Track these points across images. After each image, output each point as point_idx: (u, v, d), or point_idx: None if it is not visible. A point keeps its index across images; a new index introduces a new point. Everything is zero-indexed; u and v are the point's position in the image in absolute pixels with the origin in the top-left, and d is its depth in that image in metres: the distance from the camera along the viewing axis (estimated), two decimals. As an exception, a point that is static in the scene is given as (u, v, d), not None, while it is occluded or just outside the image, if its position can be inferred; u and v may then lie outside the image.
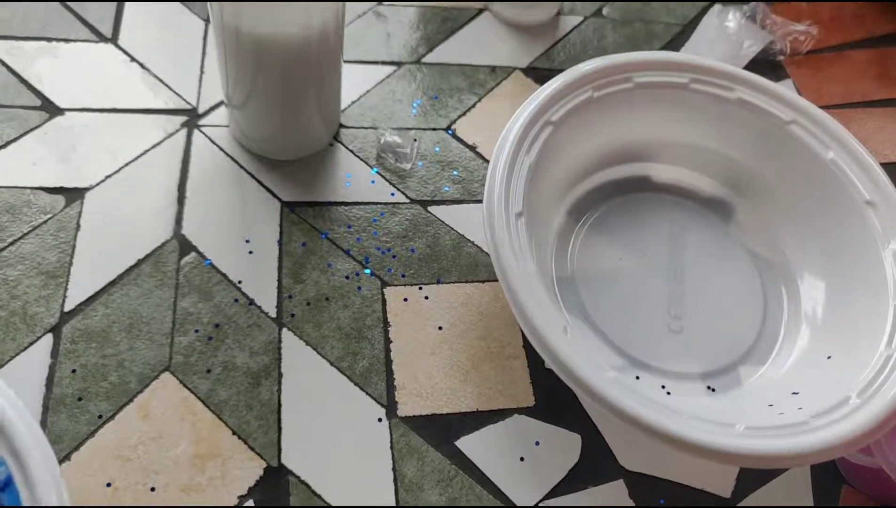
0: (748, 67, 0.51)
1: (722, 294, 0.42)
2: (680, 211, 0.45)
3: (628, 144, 0.44)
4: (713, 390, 0.39)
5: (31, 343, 0.36)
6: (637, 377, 0.38)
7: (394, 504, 0.34)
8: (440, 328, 0.39)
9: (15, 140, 0.41)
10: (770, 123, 0.42)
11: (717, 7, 0.54)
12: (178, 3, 0.48)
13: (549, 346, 0.32)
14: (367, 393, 0.37)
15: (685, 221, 0.44)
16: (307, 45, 0.36)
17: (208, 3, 0.36)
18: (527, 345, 0.39)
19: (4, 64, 0.44)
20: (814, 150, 0.40)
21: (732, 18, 0.53)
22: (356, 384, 0.37)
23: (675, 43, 0.53)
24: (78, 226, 0.39)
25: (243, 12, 0.34)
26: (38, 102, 0.43)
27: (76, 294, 0.38)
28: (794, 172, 0.42)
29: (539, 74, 0.49)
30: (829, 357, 0.37)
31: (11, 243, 0.38)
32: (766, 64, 0.52)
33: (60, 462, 0.33)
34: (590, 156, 0.43)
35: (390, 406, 0.37)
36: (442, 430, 0.36)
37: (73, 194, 0.40)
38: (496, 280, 0.41)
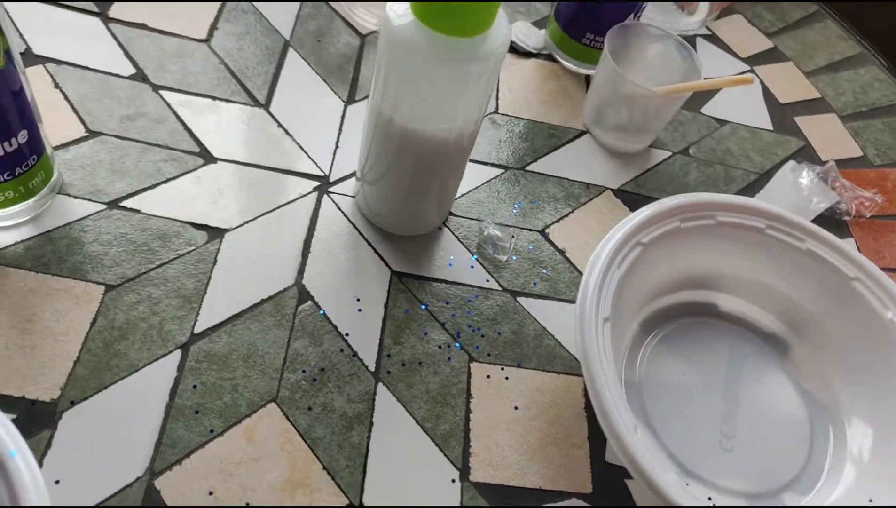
0: (814, 222, 0.56)
1: (772, 423, 0.45)
2: (740, 340, 0.49)
3: (703, 273, 0.49)
4: (755, 510, 0.42)
5: (162, 355, 0.41)
6: (687, 484, 0.42)
7: (456, 560, 0.38)
8: (516, 407, 0.43)
9: (174, 178, 0.48)
10: (835, 277, 0.46)
11: (791, 163, 0.60)
12: (324, 83, 0.55)
13: (622, 441, 0.36)
14: (444, 454, 0.41)
15: (744, 349, 0.49)
16: (445, 143, 0.42)
17: (371, 91, 0.42)
18: (591, 437, 0.43)
19: (176, 113, 0.51)
20: (874, 308, 0.45)
21: (805, 176, 0.58)
22: (436, 444, 0.41)
23: (750, 189, 0.58)
24: (215, 261, 0.45)
25: (400, 107, 0.40)
26: (197, 149, 0.49)
27: (206, 320, 0.43)
28: (852, 324, 0.46)
29: (627, 196, 0.55)
30: (870, 500, 0.40)
31: (159, 266, 0.44)
32: (831, 221, 0.57)
33: (172, 465, 0.38)
34: (668, 278, 0.48)
35: (464, 470, 0.40)
36: (507, 500, 0.40)
37: (215, 233, 0.46)
38: (570, 374, 0.45)
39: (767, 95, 0.67)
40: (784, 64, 0.70)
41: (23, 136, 0.39)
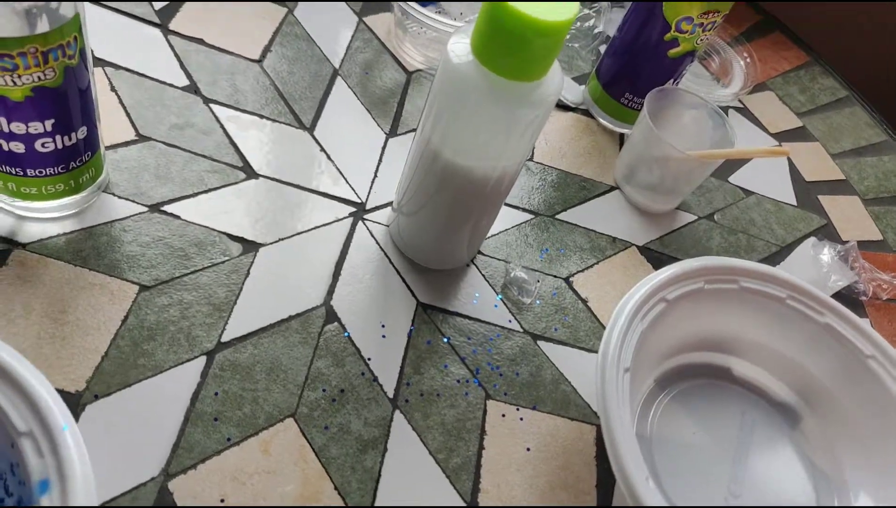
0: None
1: (778, 488, 0.46)
2: (752, 406, 0.49)
3: (721, 336, 0.50)
4: (757, 577, 0.42)
5: (188, 360, 0.42)
6: (692, 545, 0.42)
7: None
8: (528, 448, 0.44)
9: (216, 189, 0.49)
10: (851, 353, 0.47)
11: (813, 239, 0.61)
12: (368, 114, 0.57)
13: (634, 490, 0.37)
14: (454, 487, 0.41)
15: (755, 415, 0.49)
16: (486, 181, 0.43)
17: (421, 124, 0.43)
18: (599, 486, 0.43)
19: (223, 127, 0.52)
20: (887, 386, 0.45)
21: (826, 253, 0.59)
22: (447, 476, 0.41)
23: (771, 259, 0.59)
24: (248, 273, 0.46)
25: (449, 141, 0.41)
26: (240, 163, 0.51)
27: (233, 329, 0.43)
28: (865, 401, 0.46)
29: (651, 254, 0.56)
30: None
31: (193, 272, 0.45)
32: (847, 300, 0.58)
33: (186, 469, 0.38)
34: (687, 337, 0.49)
35: (472, 505, 0.41)
36: (512, 540, 0.40)
37: (250, 246, 0.47)
38: (583, 421, 0.46)
39: (793, 172, 0.68)
40: (811, 144, 0.72)
41: (82, 132, 0.41)
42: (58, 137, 0.39)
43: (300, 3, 0.63)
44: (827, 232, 0.64)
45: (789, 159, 0.69)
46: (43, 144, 0.39)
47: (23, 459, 0.29)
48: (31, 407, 0.30)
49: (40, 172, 0.41)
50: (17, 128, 0.37)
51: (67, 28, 0.35)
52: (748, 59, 0.72)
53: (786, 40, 0.83)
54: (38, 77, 0.36)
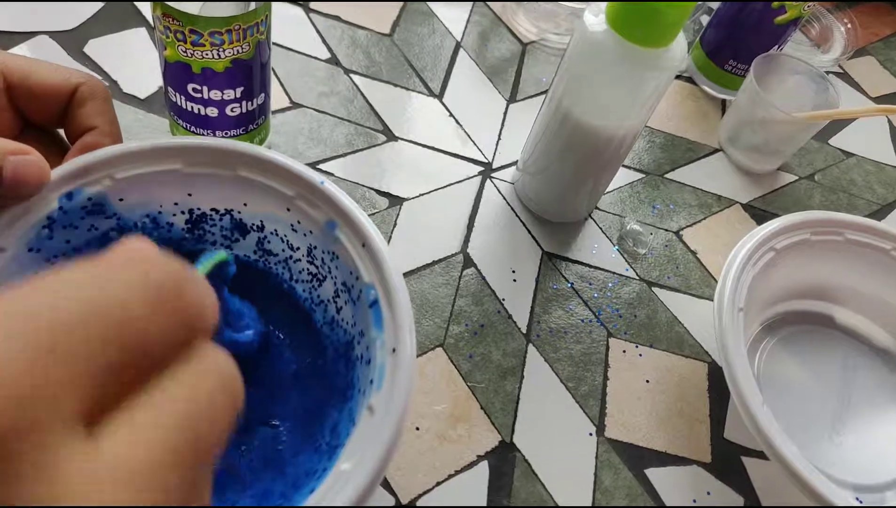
0: (933, 255, 0.59)
1: (880, 429, 0.49)
2: (854, 351, 0.53)
3: (825, 285, 0.53)
4: (860, 501, 0.46)
5: (349, 297, 0.48)
6: (799, 469, 0.46)
7: (590, 503, 0.43)
8: (647, 381, 0.48)
9: (362, 150, 0.55)
10: (953, 301, 0.50)
11: (913, 198, 0.64)
12: (489, 82, 0.62)
13: (751, 412, 0.41)
14: (584, 411, 0.46)
15: (857, 360, 0.53)
16: (611, 140, 0.48)
17: (553, 88, 0.48)
18: (712, 415, 0.48)
19: (363, 95, 0.58)
20: None
21: (927, 211, 0.62)
22: (577, 401, 0.47)
23: (872, 217, 0.62)
24: (395, 223, 0.52)
25: (580, 101, 0.46)
26: (381, 127, 0.57)
27: (385, 272, 0.49)
28: (967, 345, 0.49)
29: (755, 211, 0.60)
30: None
31: (348, 222, 0.51)
32: (947, 256, 0.60)
33: (355, 387, 0.44)
34: (793, 285, 0.52)
35: (600, 427, 0.46)
36: (635, 457, 0.45)
37: (395, 200, 0.53)
38: (696, 358, 0.50)
39: (894, 134, 0.70)
40: (911, 107, 0.74)
41: (261, 98, 0.47)
42: (243, 103, 0.46)
43: (421, -19, 0.69)
44: (927, 192, 0.66)
45: (889, 122, 0.71)
46: (231, 109, 0.46)
47: (304, 214, 0.36)
48: (291, 178, 0.36)
49: (226, 134, 0.47)
50: (215, 95, 0.44)
51: (262, 8, 0.41)
52: (848, 25, 0.74)
53: (887, 6, 0.84)
54: (237, 51, 0.42)
